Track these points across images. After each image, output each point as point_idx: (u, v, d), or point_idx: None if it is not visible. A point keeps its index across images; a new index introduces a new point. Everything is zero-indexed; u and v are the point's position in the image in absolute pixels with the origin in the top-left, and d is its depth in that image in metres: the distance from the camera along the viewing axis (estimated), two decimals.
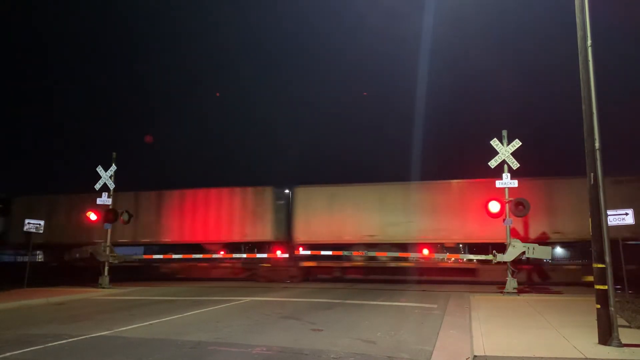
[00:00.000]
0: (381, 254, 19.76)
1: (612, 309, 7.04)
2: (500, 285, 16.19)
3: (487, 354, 6.69)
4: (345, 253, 20.20)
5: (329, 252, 20.10)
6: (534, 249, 15.30)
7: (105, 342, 8.10)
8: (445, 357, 7.06)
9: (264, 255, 21.47)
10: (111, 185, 19.42)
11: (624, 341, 6.96)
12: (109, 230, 19.26)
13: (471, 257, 18.44)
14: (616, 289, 7.68)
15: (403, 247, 20.30)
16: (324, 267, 22.21)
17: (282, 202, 22.28)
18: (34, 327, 9.76)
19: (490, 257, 16.11)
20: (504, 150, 15.79)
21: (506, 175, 15.84)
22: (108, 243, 19.13)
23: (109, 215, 19.14)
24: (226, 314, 11.47)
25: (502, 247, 15.98)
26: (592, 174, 7.43)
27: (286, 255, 21.16)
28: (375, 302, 13.68)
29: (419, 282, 20.02)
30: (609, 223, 8.02)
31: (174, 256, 21.61)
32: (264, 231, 21.65)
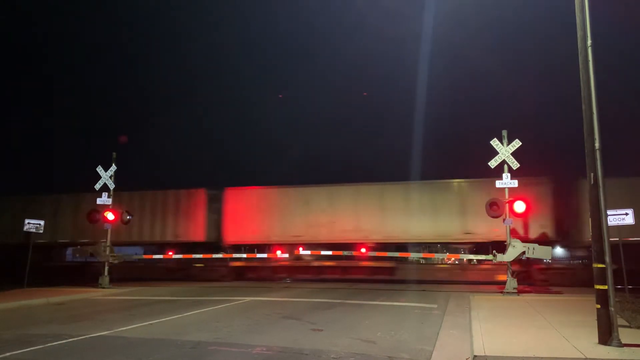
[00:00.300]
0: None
1: (612, 309, 7.03)
2: (500, 285, 16.20)
3: (487, 354, 6.68)
4: (345, 253, 20.21)
5: (329, 252, 20.21)
6: (534, 249, 15.30)
7: (105, 342, 8.10)
8: (445, 357, 7.06)
9: (264, 255, 21.49)
10: (111, 185, 19.42)
11: (624, 341, 6.96)
12: (109, 230, 19.26)
13: (471, 257, 18.44)
14: (616, 289, 7.68)
15: (330, 247, 20.97)
16: (252, 267, 22.80)
17: (215, 204, 22.80)
18: (34, 327, 9.76)
19: (490, 257, 16.11)
20: (504, 150, 15.79)
21: (506, 175, 15.84)
22: (108, 243, 19.13)
23: (109, 215, 19.13)
24: (226, 314, 11.47)
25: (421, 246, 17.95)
26: (592, 174, 7.43)
27: (286, 255, 21.18)
28: (375, 302, 13.68)
29: (374, 281, 20.93)
30: (609, 223, 8.02)
31: (174, 256, 21.62)
32: (197, 232, 22.16)
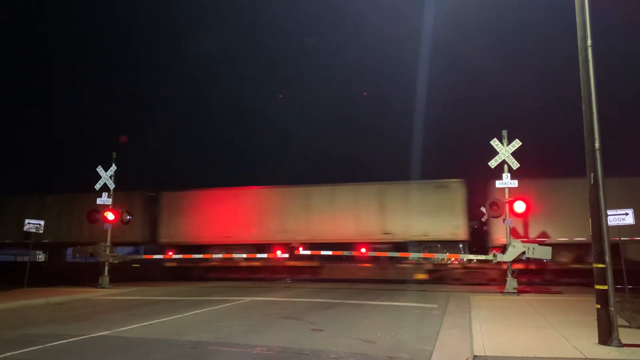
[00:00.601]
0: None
1: (612, 309, 7.03)
2: (500, 286, 16.20)
3: (487, 354, 6.68)
4: (346, 253, 20.25)
5: (329, 252, 20.27)
6: (534, 249, 15.30)
7: (105, 342, 8.10)
8: (445, 357, 7.07)
9: (264, 255, 21.50)
10: (111, 185, 19.42)
11: (624, 341, 6.96)
12: (109, 230, 19.27)
13: (471, 257, 18.43)
14: (616, 289, 7.68)
15: (258, 247, 21.86)
16: (186, 267, 23.20)
17: (153, 206, 23.60)
18: (34, 327, 9.77)
19: (490, 257, 16.11)
20: (504, 150, 15.78)
21: (506, 175, 15.83)
22: (108, 243, 19.13)
23: (109, 215, 19.14)
24: (226, 314, 11.47)
25: (347, 247, 19.44)
26: (592, 174, 7.43)
27: (286, 255, 21.18)
28: (375, 302, 13.68)
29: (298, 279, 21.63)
30: (609, 223, 8.02)
31: (174, 256, 21.63)
32: (133, 233, 22.51)
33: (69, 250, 25.50)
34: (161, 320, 10.39)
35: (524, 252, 15.26)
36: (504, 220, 15.84)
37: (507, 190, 15.88)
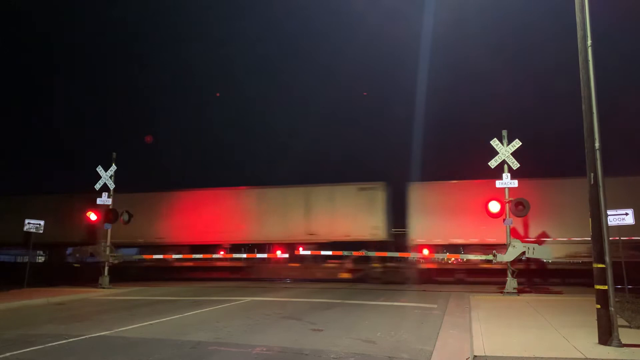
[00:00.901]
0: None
1: (612, 309, 7.04)
2: (500, 286, 16.20)
3: (487, 354, 6.69)
4: (346, 253, 20.32)
5: (329, 252, 20.41)
6: (534, 249, 15.30)
7: (105, 342, 8.10)
8: (445, 357, 7.07)
9: (264, 255, 21.52)
10: (111, 185, 19.43)
11: (624, 341, 6.96)
12: (109, 230, 19.27)
13: (471, 257, 18.42)
14: (616, 289, 7.68)
15: (193, 248, 22.41)
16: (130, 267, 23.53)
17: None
18: (34, 327, 9.77)
19: (490, 257, 16.11)
20: (504, 150, 15.78)
21: (506, 175, 15.82)
22: (108, 243, 19.13)
23: (109, 215, 19.16)
24: (226, 314, 11.48)
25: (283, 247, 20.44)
26: (592, 174, 7.43)
27: (286, 255, 21.22)
28: (375, 302, 13.68)
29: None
30: (609, 223, 8.02)
31: (174, 256, 21.65)
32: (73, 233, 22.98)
33: (69, 250, 25.58)
34: (161, 320, 10.40)
35: (524, 252, 15.27)
36: (504, 220, 15.83)
37: (507, 190, 15.88)
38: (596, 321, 7.24)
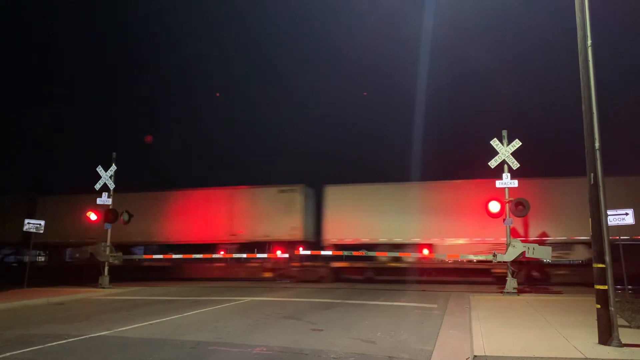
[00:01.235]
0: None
1: (612, 309, 7.04)
2: (500, 286, 16.19)
3: (487, 354, 6.69)
4: (346, 253, 20.39)
5: (329, 252, 20.68)
6: (534, 249, 15.30)
7: (105, 342, 8.10)
8: (446, 357, 7.07)
9: (264, 255, 21.52)
10: (111, 185, 19.43)
11: (624, 341, 6.96)
12: (109, 230, 19.28)
13: (471, 257, 18.43)
14: (616, 289, 7.68)
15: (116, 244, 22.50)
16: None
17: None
18: (34, 327, 9.77)
19: (490, 257, 16.11)
20: (504, 150, 15.78)
21: (506, 175, 15.82)
22: (108, 243, 19.13)
23: (109, 215, 19.16)
24: (226, 314, 11.48)
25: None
26: (592, 174, 7.43)
27: (286, 255, 21.24)
28: (375, 302, 13.68)
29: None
30: (609, 223, 8.03)
31: (174, 256, 21.64)
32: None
33: (69, 251, 25.60)
34: (161, 320, 10.40)
35: (524, 252, 15.27)
36: (504, 220, 15.83)
37: (507, 190, 15.88)
38: (596, 321, 7.25)
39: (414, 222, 20.30)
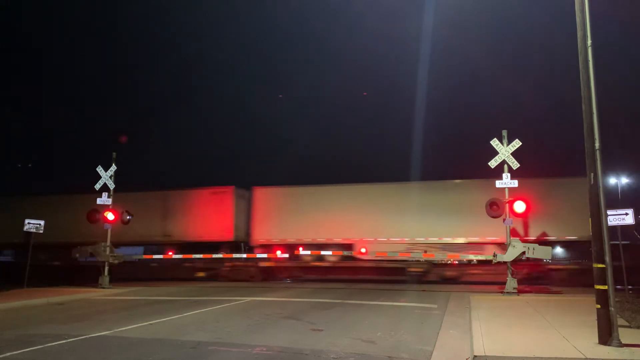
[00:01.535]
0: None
1: (612, 309, 7.04)
2: (500, 286, 16.20)
3: (487, 354, 6.69)
4: (345, 253, 20.46)
5: (329, 252, 20.76)
6: (534, 249, 15.30)
7: (105, 342, 8.10)
8: (445, 357, 7.07)
9: (264, 256, 21.54)
10: (111, 185, 19.41)
11: (624, 341, 6.96)
12: (109, 230, 19.26)
13: (471, 257, 18.44)
14: (616, 289, 7.68)
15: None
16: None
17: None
18: (34, 327, 9.77)
19: (490, 257, 16.11)
20: (504, 151, 15.77)
21: (506, 175, 15.81)
22: (108, 243, 19.13)
23: (109, 215, 19.14)
24: (226, 314, 11.48)
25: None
26: (592, 174, 7.43)
27: (286, 255, 21.25)
28: (375, 302, 13.68)
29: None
30: (609, 223, 8.03)
31: (174, 256, 21.67)
32: None
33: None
34: (161, 320, 10.39)
35: (524, 252, 15.26)
36: (504, 220, 15.83)
37: (507, 190, 15.87)
38: (596, 321, 7.25)
39: (336, 222, 21.07)
